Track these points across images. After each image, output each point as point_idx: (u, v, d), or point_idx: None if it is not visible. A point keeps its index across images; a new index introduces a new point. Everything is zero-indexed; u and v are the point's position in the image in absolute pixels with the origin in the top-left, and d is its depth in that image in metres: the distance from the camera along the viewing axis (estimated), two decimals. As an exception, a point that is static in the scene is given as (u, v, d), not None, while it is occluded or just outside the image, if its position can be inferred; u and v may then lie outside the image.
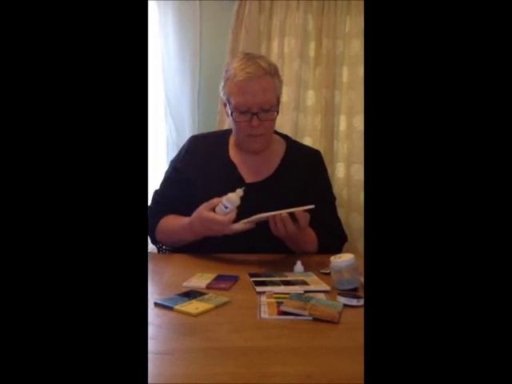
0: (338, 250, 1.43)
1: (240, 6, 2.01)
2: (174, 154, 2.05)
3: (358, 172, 2.13)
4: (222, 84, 1.35)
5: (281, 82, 1.36)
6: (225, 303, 0.91)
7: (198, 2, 2.02)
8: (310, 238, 1.31)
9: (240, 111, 1.30)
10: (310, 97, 2.13)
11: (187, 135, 2.01)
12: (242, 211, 1.28)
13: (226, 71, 1.33)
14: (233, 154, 1.43)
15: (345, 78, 2.12)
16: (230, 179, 1.37)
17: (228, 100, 1.33)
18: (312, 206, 1.18)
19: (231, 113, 1.32)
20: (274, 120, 1.34)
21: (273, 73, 1.32)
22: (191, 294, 0.95)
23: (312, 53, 2.09)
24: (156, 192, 1.46)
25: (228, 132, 1.50)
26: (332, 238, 1.39)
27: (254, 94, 1.28)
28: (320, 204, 1.39)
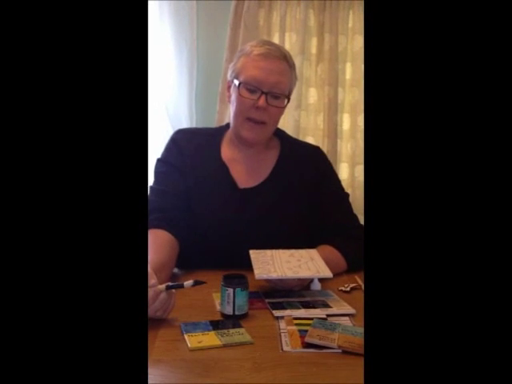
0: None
1: (238, 0, 1.92)
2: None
3: (362, 173, 2.06)
4: (233, 65, 1.24)
5: (296, 78, 1.25)
6: (241, 344, 0.77)
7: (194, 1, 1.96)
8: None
9: (248, 88, 1.17)
10: (313, 95, 2.05)
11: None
12: (238, 221, 1.18)
13: (241, 50, 1.24)
14: (225, 152, 1.28)
15: (348, 75, 2.05)
16: (221, 183, 1.24)
17: (236, 77, 1.20)
18: (330, 276, 1.00)
19: (238, 91, 1.18)
20: (280, 109, 1.21)
21: (291, 64, 1.22)
22: (221, 325, 0.84)
23: (314, 49, 2.01)
24: (151, 190, 1.25)
25: (222, 129, 1.34)
26: (354, 244, 1.20)
27: (269, 71, 1.17)
28: (332, 204, 1.28)
